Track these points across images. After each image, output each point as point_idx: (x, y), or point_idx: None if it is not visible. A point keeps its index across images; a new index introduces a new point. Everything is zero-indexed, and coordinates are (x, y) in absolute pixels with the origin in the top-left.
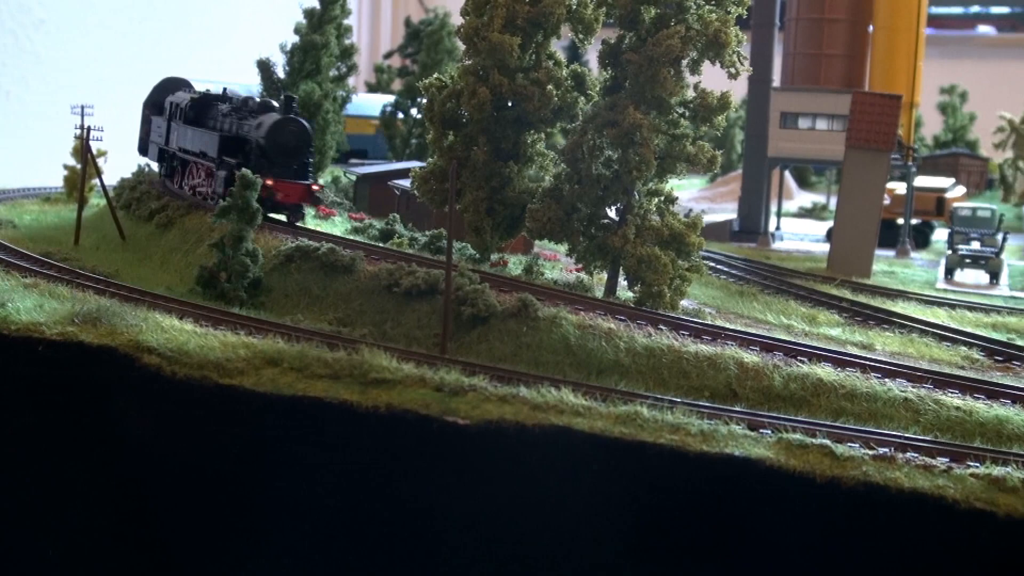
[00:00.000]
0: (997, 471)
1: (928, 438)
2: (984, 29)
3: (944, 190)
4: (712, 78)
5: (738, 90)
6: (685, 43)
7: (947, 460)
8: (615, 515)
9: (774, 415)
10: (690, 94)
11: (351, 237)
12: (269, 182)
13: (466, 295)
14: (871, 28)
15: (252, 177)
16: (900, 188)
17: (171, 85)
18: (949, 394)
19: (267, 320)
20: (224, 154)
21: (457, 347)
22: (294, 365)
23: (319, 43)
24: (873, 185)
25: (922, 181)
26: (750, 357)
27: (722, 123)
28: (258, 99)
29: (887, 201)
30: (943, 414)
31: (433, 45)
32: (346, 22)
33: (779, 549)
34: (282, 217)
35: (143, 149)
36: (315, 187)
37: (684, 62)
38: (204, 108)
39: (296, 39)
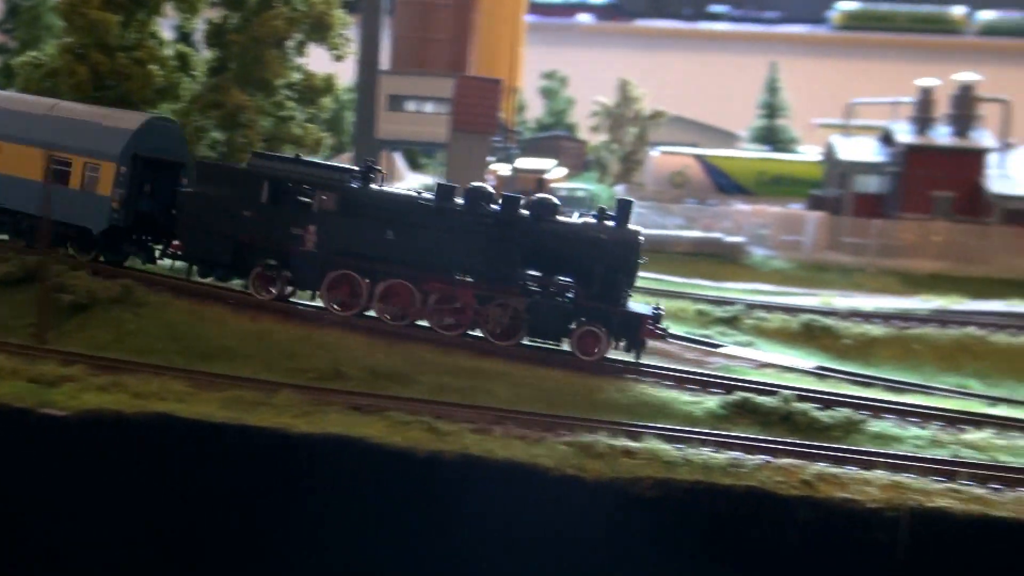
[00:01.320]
0: (586, 439)
1: (527, 410)
2: (583, 17)
3: (545, 171)
4: (323, 60)
5: (350, 73)
6: (290, 24)
7: (541, 430)
8: (219, 497)
9: (380, 393)
10: (296, 76)
11: None
12: None
13: (65, 282)
14: (476, 14)
15: None
16: (504, 169)
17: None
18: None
19: None
20: None
21: (57, 336)
22: None
23: None
24: (476, 166)
25: (524, 162)
26: (357, 338)
27: (329, 105)
28: None
29: (491, 181)
30: (543, 386)
31: (32, 21)
32: None
33: (382, 523)
34: None
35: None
36: None
37: (289, 44)
38: None
39: None
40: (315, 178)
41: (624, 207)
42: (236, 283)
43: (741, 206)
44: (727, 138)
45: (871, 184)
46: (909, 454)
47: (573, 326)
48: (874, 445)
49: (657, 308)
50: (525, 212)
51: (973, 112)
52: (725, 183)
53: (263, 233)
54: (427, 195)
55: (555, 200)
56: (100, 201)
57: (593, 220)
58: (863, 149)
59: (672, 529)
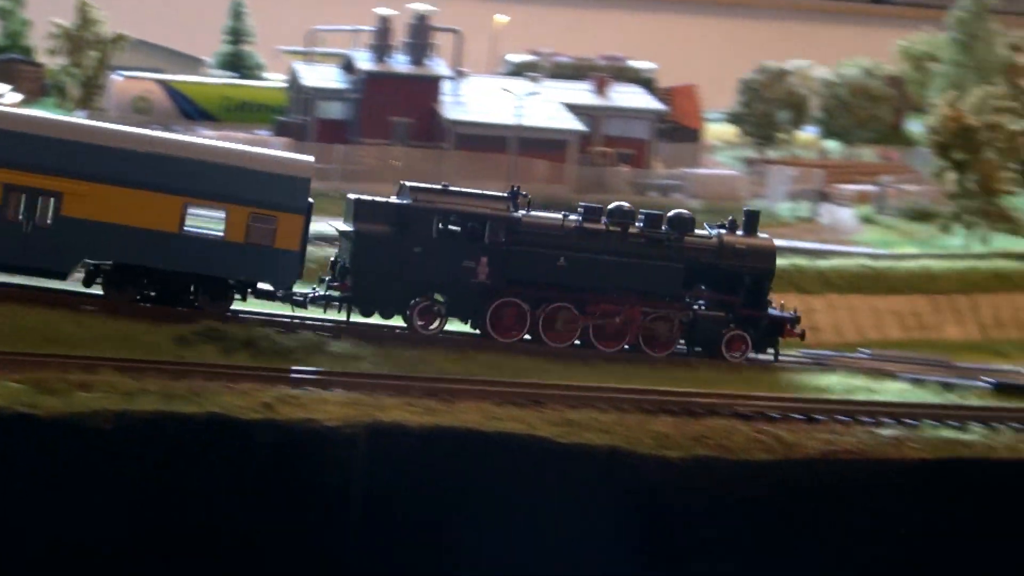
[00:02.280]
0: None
1: None
2: None
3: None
4: None
5: None
6: None
7: None
8: None
9: None
10: None
11: None
12: None
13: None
14: None
15: None
16: None
17: None
18: None
19: None
20: None
21: None
22: None
23: None
24: None
25: None
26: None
27: None
28: None
29: None
30: None
31: None
32: None
33: None
34: None
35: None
36: None
37: None
38: None
39: None
40: (484, 209)
41: (751, 217)
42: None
43: (206, 132)
44: (193, 63)
45: (334, 110)
46: (368, 372)
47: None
48: (335, 365)
49: (795, 312)
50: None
51: (428, 41)
52: (190, 109)
53: (433, 268)
54: (576, 217)
55: (690, 215)
56: (283, 256)
57: (725, 231)
58: (326, 76)
59: (133, 461)
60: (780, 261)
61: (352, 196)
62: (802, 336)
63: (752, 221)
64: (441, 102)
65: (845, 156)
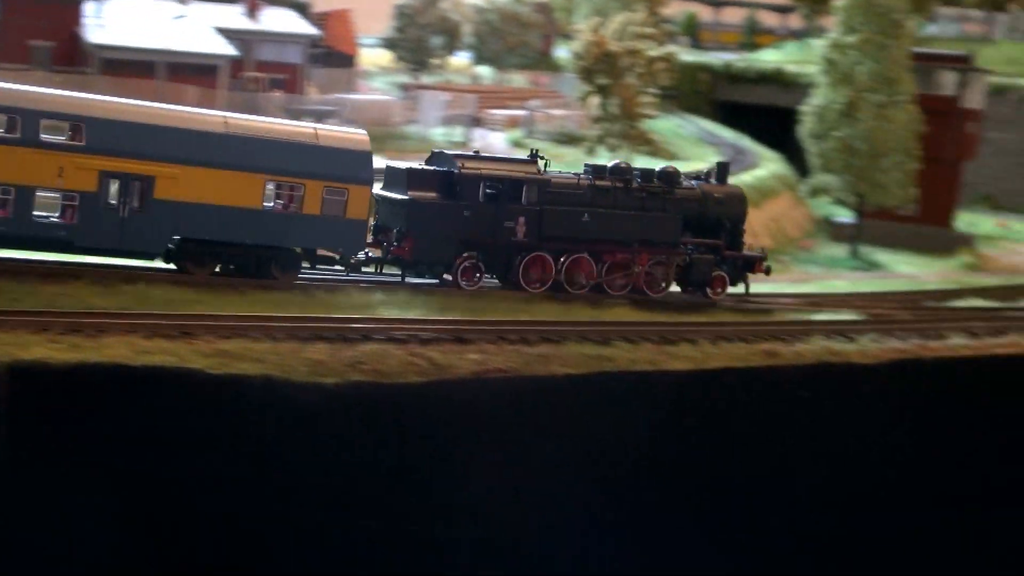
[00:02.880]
0: None
1: None
2: None
3: None
4: None
5: None
6: None
7: None
8: None
9: None
10: None
11: None
12: None
13: None
14: None
15: None
16: None
17: None
18: None
19: None
20: None
21: None
22: None
23: None
24: None
25: None
26: None
27: None
28: None
29: None
30: None
31: None
32: None
33: None
34: None
35: None
36: None
37: None
38: None
39: None
40: (521, 174)
41: (723, 168)
42: None
43: None
44: None
45: None
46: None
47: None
48: None
49: (762, 250)
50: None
51: None
52: None
53: (480, 229)
54: (586, 176)
55: (675, 169)
56: (354, 225)
57: (703, 182)
58: None
59: None
60: None
61: (401, 165)
62: (767, 271)
63: (723, 172)
64: (84, 24)
65: (496, 81)
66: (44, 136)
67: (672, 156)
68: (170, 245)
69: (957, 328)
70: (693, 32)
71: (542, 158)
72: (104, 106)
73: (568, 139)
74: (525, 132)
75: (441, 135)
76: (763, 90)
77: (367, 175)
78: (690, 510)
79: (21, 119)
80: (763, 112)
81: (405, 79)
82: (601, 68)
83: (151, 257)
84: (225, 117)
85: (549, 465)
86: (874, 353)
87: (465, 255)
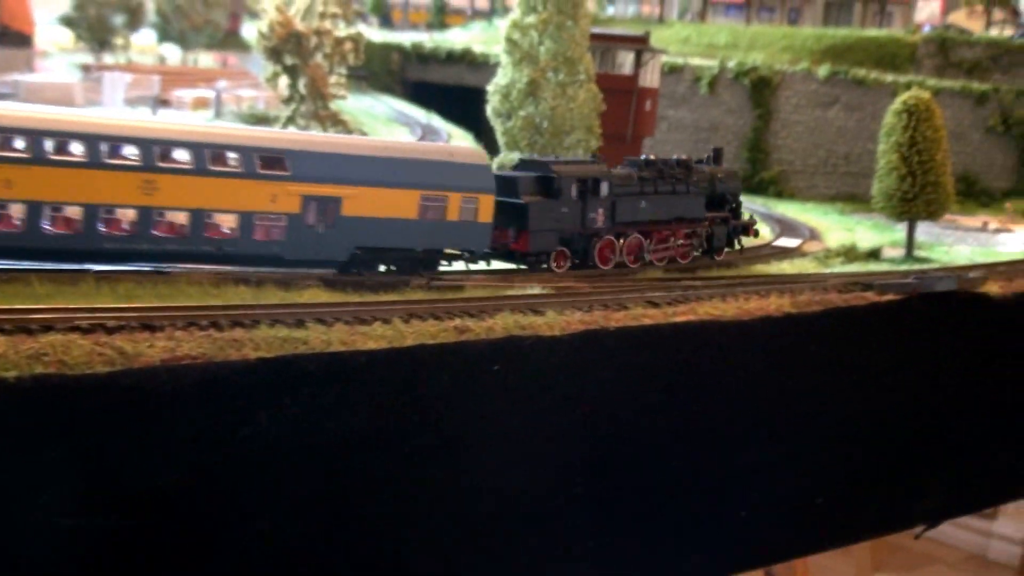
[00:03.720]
0: None
1: None
2: None
3: None
4: None
5: None
6: None
7: None
8: None
9: None
10: None
11: None
12: None
13: None
14: None
15: None
16: None
17: None
18: None
19: None
20: None
21: None
22: None
23: None
24: None
25: None
26: None
27: None
28: None
29: None
30: None
31: None
32: None
33: None
34: None
35: None
36: None
37: None
38: None
39: None
40: (597, 172)
41: (718, 152)
42: None
43: None
44: None
45: None
46: None
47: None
48: None
49: (752, 216)
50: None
51: None
52: None
53: (573, 221)
54: (633, 169)
55: (688, 156)
56: (483, 227)
57: (707, 164)
58: None
59: None
60: None
61: (511, 174)
62: (756, 234)
63: (719, 156)
64: None
65: (182, 61)
66: (261, 170)
67: (365, 136)
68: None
69: (639, 299)
70: (383, 11)
71: (602, 159)
72: (302, 139)
73: (258, 119)
74: (214, 113)
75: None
76: (452, 70)
77: (490, 185)
78: (389, 485)
79: (241, 155)
80: (453, 91)
81: (86, 59)
82: (288, 48)
83: (337, 265)
84: (387, 143)
85: (246, 450)
86: (560, 325)
87: (560, 244)
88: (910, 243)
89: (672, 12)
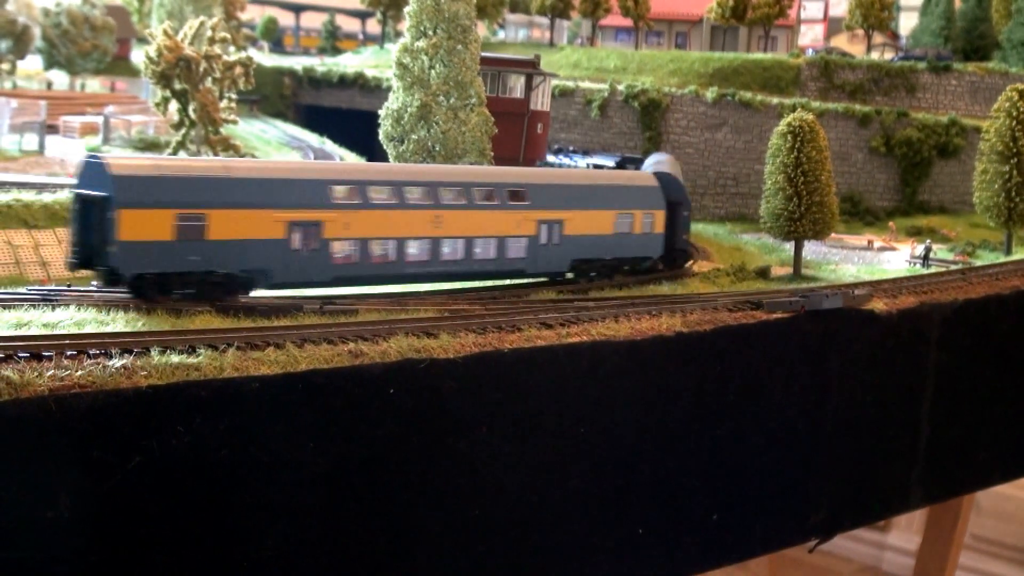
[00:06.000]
0: None
1: None
2: None
3: None
4: None
5: None
6: None
7: None
8: None
9: None
10: None
11: None
12: None
13: None
14: None
15: None
16: None
17: None
18: None
19: None
20: None
21: None
22: None
23: None
24: None
25: None
26: None
27: None
28: None
29: None
30: None
31: None
32: None
33: None
34: None
35: None
36: None
37: None
38: None
39: None
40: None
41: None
42: None
43: None
44: None
45: None
46: None
47: None
48: None
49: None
50: None
51: None
52: None
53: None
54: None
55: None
56: (657, 237)
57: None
58: None
59: None
60: (5, 196)
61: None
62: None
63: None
64: None
65: (70, 87)
66: (510, 202)
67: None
68: (573, 263)
69: (533, 321)
70: (275, 36)
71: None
72: (534, 174)
73: (148, 145)
74: (103, 139)
75: (13, 144)
76: (345, 94)
77: (662, 203)
78: (283, 514)
79: (497, 191)
80: (347, 115)
81: None
82: (177, 73)
83: (560, 276)
84: (589, 173)
85: (137, 480)
86: (455, 347)
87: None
88: (797, 262)
89: (562, 37)
